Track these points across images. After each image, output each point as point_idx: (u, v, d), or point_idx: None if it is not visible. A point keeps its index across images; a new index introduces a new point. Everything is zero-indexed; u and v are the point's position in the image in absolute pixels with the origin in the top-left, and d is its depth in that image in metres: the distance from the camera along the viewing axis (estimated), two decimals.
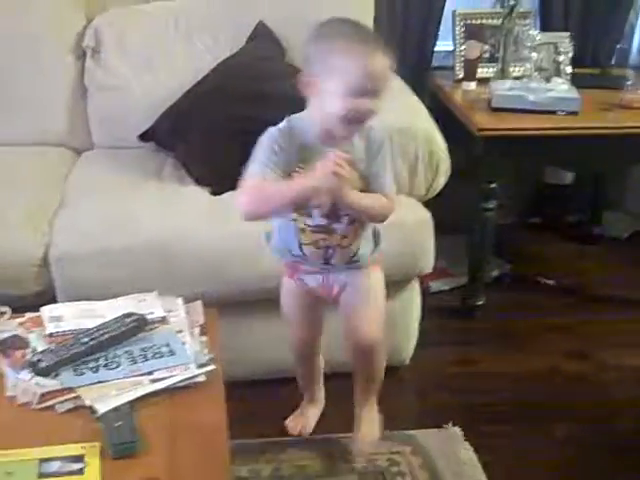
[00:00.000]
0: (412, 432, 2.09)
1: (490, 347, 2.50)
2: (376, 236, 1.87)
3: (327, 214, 1.74)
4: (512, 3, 2.61)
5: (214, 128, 2.38)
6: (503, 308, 2.67)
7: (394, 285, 2.22)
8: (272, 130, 1.72)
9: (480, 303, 2.63)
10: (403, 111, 2.36)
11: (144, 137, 2.55)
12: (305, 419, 2.13)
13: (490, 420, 2.17)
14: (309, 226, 1.77)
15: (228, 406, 2.07)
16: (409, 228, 2.17)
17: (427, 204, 2.33)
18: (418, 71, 2.94)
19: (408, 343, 2.33)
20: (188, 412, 1.46)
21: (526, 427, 2.15)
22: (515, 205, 3.18)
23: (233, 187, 2.23)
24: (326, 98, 1.62)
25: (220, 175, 2.30)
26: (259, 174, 1.70)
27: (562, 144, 2.42)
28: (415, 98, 2.52)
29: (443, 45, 3.00)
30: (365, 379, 2.02)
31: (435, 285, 2.77)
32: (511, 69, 2.73)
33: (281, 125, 1.73)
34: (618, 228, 3.19)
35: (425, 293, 2.65)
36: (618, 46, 3.02)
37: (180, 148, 2.46)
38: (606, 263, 3.02)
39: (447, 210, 2.86)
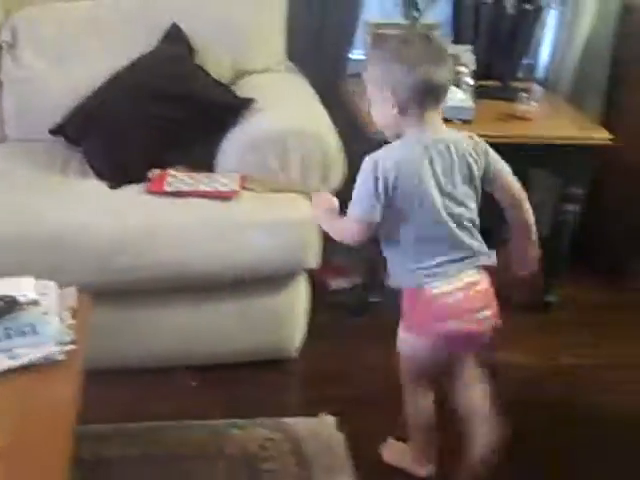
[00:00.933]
0: (287, 420, 2.18)
1: (377, 342, 2.58)
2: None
3: None
4: (416, 15, 2.72)
5: (119, 124, 2.46)
6: (397, 306, 2.75)
7: (281, 279, 2.33)
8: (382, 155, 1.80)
9: (376, 301, 2.72)
10: (299, 113, 2.47)
11: (55, 132, 2.62)
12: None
13: (368, 410, 2.25)
14: None
15: (112, 391, 2.19)
16: (297, 225, 2.26)
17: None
18: (333, 78, 3.04)
19: (295, 337, 2.42)
20: (42, 389, 1.54)
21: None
22: None
23: (131, 181, 2.36)
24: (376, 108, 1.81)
25: (120, 170, 2.39)
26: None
27: None
28: (315, 101, 2.61)
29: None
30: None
31: (336, 283, 2.87)
32: None
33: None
34: None
35: (325, 290, 2.79)
36: (524, 61, 3.15)
37: (85, 143, 2.53)
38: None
39: None
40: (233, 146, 2.39)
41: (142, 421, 2.15)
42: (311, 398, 2.36)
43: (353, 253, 2.87)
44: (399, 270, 1.84)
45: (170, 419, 2.16)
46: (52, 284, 1.83)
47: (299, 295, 2.40)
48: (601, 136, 2.67)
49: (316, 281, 2.64)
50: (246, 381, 2.35)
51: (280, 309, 2.36)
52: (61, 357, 1.60)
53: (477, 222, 1.81)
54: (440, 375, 1.95)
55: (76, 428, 1.99)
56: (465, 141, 1.81)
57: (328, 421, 2.19)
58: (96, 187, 2.35)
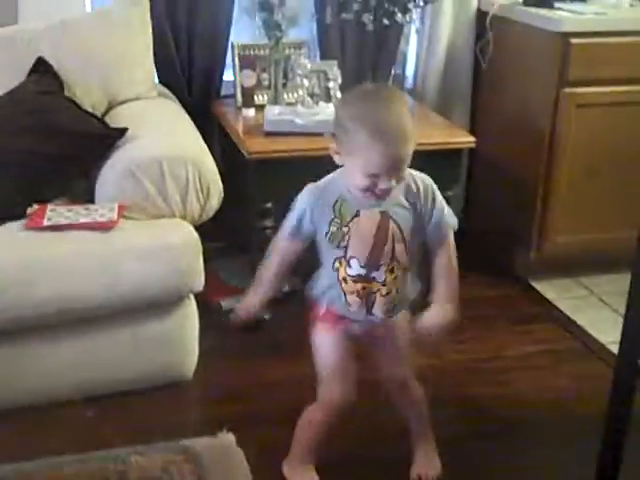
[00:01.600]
0: (187, 442, 2.18)
1: (270, 359, 2.64)
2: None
3: (366, 263, 1.83)
4: (278, 35, 2.79)
5: None
6: (289, 322, 2.80)
7: (168, 304, 2.35)
8: (309, 187, 1.86)
9: (266, 317, 2.77)
10: (172, 138, 2.50)
11: None
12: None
13: (265, 425, 2.29)
14: (350, 275, 1.85)
15: (7, 430, 2.16)
16: (178, 250, 2.29)
17: (214, 228, 2.49)
18: (206, 99, 3.09)
19: (188, 359, 2.44)
20: None
21: None
22: None
23: (7, 218, 2.33)
24: (349, 168, 1.76)
25: None
26: (294, 227, 1.89)
27: (327, 163, 2.60)
28: (189, 125, 2.65)
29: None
30: (414, 415, 2.10)
31: (226, 303, 2.89)
32: (285, 95, 2.91)
33: (318, 183, 1.86)
34: None
35: (217, 310, 2.82)
36: (393, 72, 3.26)
37: None
38: None
39: (237, 232, 3.03)
40: (110, 176, 2.39)
41: (41, 457, 2.11)
42: (209, 417, 2.37)
43: (240, 271, 2.94)
44: None
45: (70, 452, 2.13)
46: None
47: (189, 318, 2.42)
48: (466, 140, 2.80)
49: (207, 302, 2.68)
50: (144, 407, 2.35)
51: (171, 333, 2.38)
52: None
53: None
54: None
55: None
56: None
57: (228, 439, 2.20)
58: None
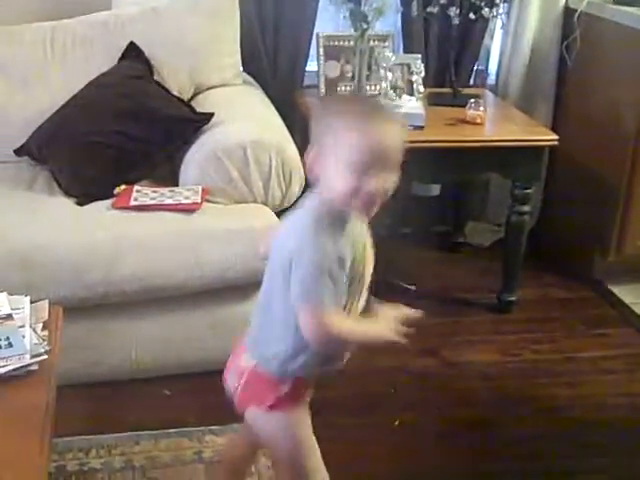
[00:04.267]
0: None
1: None
2: None
3: None
4: (364, 27, 2.80)
5: (83, 142, 2.51)
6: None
7: (247, 287, 2.36)
8: (328, 250, 1.44)
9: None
10: (257, 124, 2.53)
11: (19, 152, 2.67)
12: None
13: (334, 412, 2.29)
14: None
15: (88, 404, 2.23)
16: (256, 233, 2.29)
17: None
18: (290, 89, 3.12)
19: None
20: (17, 399, 1.58)
21: (368, 419, 2.31)
22: (385, 217, 3.35)
23: (98, 198, 2.40)
24: (331, 176, 1.44)
25: (86, 186, 2.44)
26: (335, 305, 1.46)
27: (410, 157, 2.60)
28: (272, 112, 2.69)
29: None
30: None
31: None
32: (368, 87, 2.92)
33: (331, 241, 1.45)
34: (480, 237, 3.40)
35: None
36: (475, 68, 3.25)
37: (51, 161, 2.58)
38: (466, 269, 3.22)
39: None
40: (195, 160, 2.44)
41: (120, 432, 2.19)
42: None
43: None
44: None
45: (147, 428, 2.20)
46: (25, 299, 1.86)
47: None
48: (548, 137, 2.77)
49: None
50: (219, 388, 2.38)
51: (249, 317, 2.40)
52: (35, 367, 1.64)
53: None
54: None
55: (60, 440, 2.06)
56: None
57: None
58: (63, 204, 2.39)
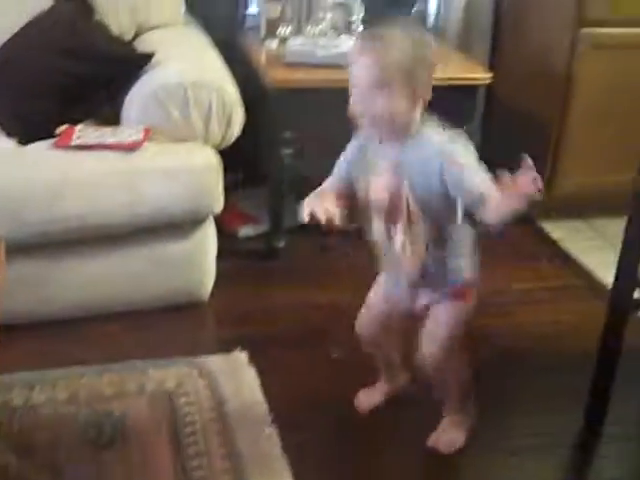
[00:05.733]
0: (202, 358, 2.30)
1: (284, 285, 2.73)
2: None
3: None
4: None
5: (24, 81, 2.52)
6: (303, 251, 2.91)
7: (188, 225, 2.43)
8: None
9: (280, 246, 2.86)
10: (197, 65, 2.56)
11: None
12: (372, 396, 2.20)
13: (275, 346, 2.40)
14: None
15: (33, 342, 2.29)
16: (199, 171, 2.38)
17: (233, 160, 2.53)
18: (230, 31, 3.13)
19: (205, 281, 2.54)
20: None
21: (308, 351, 2.39)
22: None
23: (40, 138, 2.41)
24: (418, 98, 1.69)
25: (27, 126, 2.45)
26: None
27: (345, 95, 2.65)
28: (213, 54, 2.70)
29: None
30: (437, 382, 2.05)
31: (243, 231, 2.99)
32: (308, 28, 2.95)
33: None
34: None
35: (233, 238, 2.92)
36: (414, 9, 3.29)
37: None
38: None
39: (256, 164, 3.10)
40: (136, 100, 2.46)
41: (66, 366, 2.24)
42: (224, 338, 2.48)
43: (258, 201, 3.03)
44: None
45: (92, 364, 2.26)
46: None
47: (207, 241, 2.51)
48: (482, 76, 2.84)
49: (224, 229, 2.78)
50: (162, 324, 2.46)
51: (190, 254, 2.47)
52: None
53: None
54: None
55: (4, 377, 2.10)
56: None
57: (240, 357, 2.32)
58: (5, 143, 2.41)
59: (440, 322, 1.91)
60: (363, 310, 2.04)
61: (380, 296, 2.01)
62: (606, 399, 2.07)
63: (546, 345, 2.50)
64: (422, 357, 1.94)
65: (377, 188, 1.77)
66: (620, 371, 2.03)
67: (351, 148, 1.84)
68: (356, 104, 1.67)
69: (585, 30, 2.91)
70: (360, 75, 1.65)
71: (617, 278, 1.96)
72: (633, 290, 1.96)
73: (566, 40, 2.94)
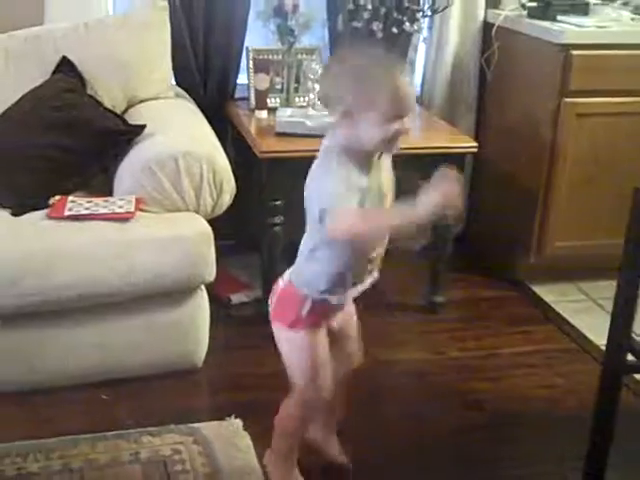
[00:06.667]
0: (196, 425, 2.30)
1: (275, 350, 2.72)
2: None
3: None
4: (291, 41, 2.90)
5: (17, 153, 2.57)
6: None
7: (181, 294, 2.45)
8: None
9: None
10: (188, 136, 2.61)
11: None
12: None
13: (270, 412, 2.38)
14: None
15: (26, 410, 2.28)
16: (191, 241, 2.41)
17: (225, 227, 2.60)
18: (220, 101, 3.20)
19: (199, 348, 2.55)
20: None
21: None
22: None
23: (33, 208, 2.45)
24: (365, 127, 1.70)
25: (20, 197, 2.49)
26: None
27: None
28: (203, 124, 2.77)
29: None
30: (343, 402, 2.13)
31: (236, 297, 3.01)
32: (297, 99, 3.03)
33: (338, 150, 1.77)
34: (409, 242, 3.50)
35: (226, 305, 2.94)
36: None
37: None
38: (397, 273, 3.31)
39: (247, 231, 3.14)
40: (128, 171, 2.52)
41: (59, 436, 2.23)
42: (218, 404, 2.48)
43: (251, 267, 3.06)
44: None
45: (85, 432, 2.25)
46: None
47: (200, 308, 2.53)
48: (468, 145, 2.90)
49: (217, 297, 2.80)
50: (156, 392, 2.46)
51: (183, 322, 2.49)
52: None
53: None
54: None
55: None
56: None
57: (235, 423, 2.32)
58: None
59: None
60: (321, 372, 1.93)
61: (326, 347, 1.94)
62: (603, 465, 2.05)
63: (540, 409, 2.51)
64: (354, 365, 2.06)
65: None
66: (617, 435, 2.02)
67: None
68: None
69: (568, 99, 3.00)
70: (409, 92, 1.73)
71: (609, 341, 1.97)
72: (626, 353, 1.97)
73: (550, 109, 3.02)
